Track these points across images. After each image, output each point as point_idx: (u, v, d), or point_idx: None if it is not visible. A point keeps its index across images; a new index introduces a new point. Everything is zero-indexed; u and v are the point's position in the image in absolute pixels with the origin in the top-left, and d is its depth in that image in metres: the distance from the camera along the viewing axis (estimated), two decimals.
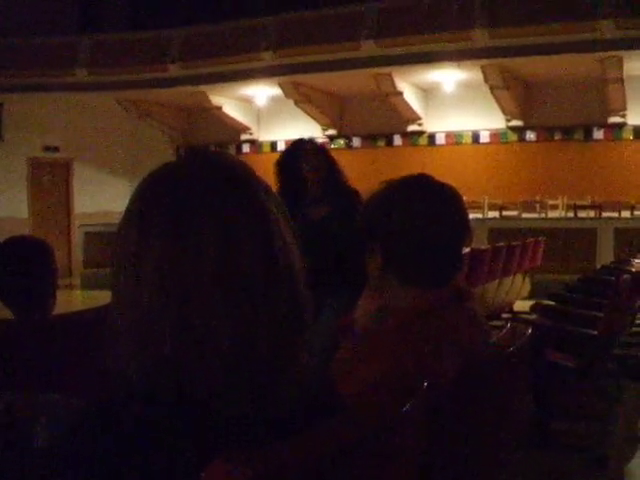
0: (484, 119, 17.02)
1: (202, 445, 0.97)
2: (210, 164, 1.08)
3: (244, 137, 19.57)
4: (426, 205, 1.78)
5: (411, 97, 16.96)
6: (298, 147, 4.53)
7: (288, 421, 1.04)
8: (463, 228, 1.83)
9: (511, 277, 9.18)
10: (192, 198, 1.02)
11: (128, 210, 1.07)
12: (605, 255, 12.16)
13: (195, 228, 1.01)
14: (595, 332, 4.21)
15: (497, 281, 8.61)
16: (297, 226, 3.35)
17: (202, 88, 17.43)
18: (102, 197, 17.26)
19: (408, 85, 16.66)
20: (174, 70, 17.23)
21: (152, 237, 1.02)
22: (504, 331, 1.86)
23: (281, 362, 1.04)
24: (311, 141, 4.65)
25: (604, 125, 16.17)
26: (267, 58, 16.30)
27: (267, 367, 1.03)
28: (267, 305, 1.02)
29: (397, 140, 18.09)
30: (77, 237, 17.28)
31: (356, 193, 4.35)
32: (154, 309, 1.00)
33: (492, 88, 15.81)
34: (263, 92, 17.74)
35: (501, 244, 8.93)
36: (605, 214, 14.57)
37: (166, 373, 1.00)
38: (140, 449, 0.96)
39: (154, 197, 1.05)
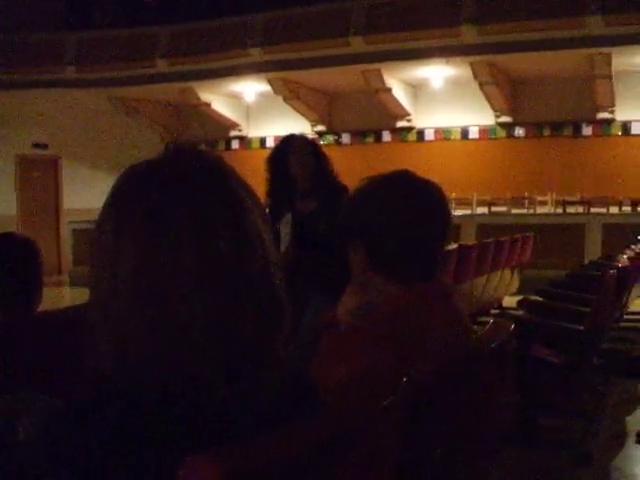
0: (473, 115, 17.05)
1: (183, 440, 0.97)
2: (188, 161, 1.08)
3: (233, 133, 19.54)
4: (408, 202, 1.78)
5: (400, 93, 16.97)
6: (287, 143, 4.53)
7: (267, 416, 1.04)
8: (445, 225, 1.83)
9: (499, 273, 9.19)
10: (169, 195, 1.02)
11: (105, 206, 1.07)
12: (593, 250, 12.19)
13: (171, 225, 1.00)
14: (581, 327, 4.22)
15: (485, 277, 8.62)
16: (286, 220, 3.35)
17: (190, 84, 17.42)
18: (91, 194, 17.16)
19: (397, 81, 16.67)
20: (162, 67, 17.20)
21: (128, 234, 1.01)
22: (487, 327, 1.86)
23: (260, 357, 1.04)
24: (300, 137, 4.64)
25: (593, 121, 16.22)
26: (255, 54, 16.29)
27: (246, 362, 1.03)
28: (245, 301, 1.02)
29: (386, 136, 18.10)
30: (66, 234, 17.23)
31: (345, 189, 4.35)
32: (132, 306, 1.00)
33: (481, 84, 15.83)
34: (252, 88, 17.72)
35: (490, 240, 8.94)
36: (594, 210, 14.59)
37: (145, 370, 1.00)
38: (121, 447, 0.96)
39: (131, 194, 1.04)
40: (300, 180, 4.45)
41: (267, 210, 4.53)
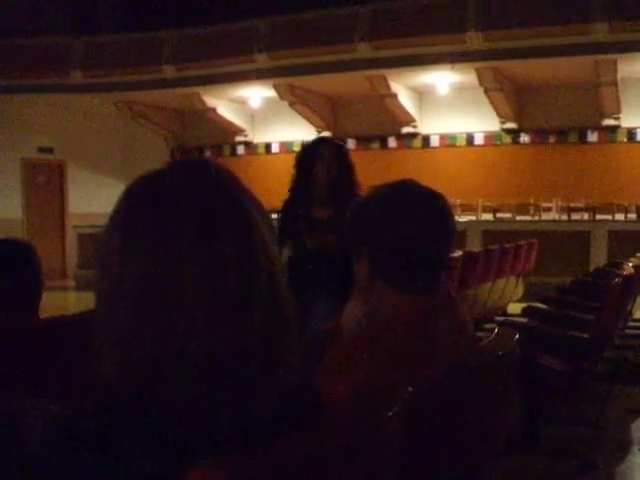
0: (478, 121, 17.03)
1: (186, 449, 0.98)
2: (195, 174, 1.08)
3: (238, 139, 19.55)
4: (412, 211, 1.78)
5: (405, 99, 16.97)
6: (315, 147, 4.53)
7: (269, 428, 1.04)
8: (449, 234, 1.83)
9: (504, 279, 9.17)
10: (176, 208, 1.02)
11: (112, 218, 1.07)
12: (599, 258, 12.16)
13: (177, 236, 1.01)
14: (586, 335, 4.22)
15: (490, 283, 8.60)
16: (301, 222, 3.41)
17: (196, 90, 17.43)
18: (96, 198, 17.20)
19: (402, 87, 16.67)
20: (168, 72, 17.22)
21: (135, 246, 1.02)
22: (492, 336, 1.86)
23: (262, 370, 1.04)
24: (330, 143, 4.63)
25: (598, 128, 16.19)
26: (261, 60, 16.30)
27: (248, 375, 1.03)
28: (249, 313, 1.03)
29: (391, 142, 18.09)
30: (71, 238, 17.26)
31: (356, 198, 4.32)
32: (136, 317, 1.01)
33: (486, 90, 15.82)
34: (257, 94, 17.75)
35: (495, 246, 8.93)
36: (599, 216, 14.57)
37: (147, 380, 1.01)
38: (125, 456, 0.96)
39: (139, 205, 1.05)
40: (321, 185, 4.44)
41: (279, 214, 4.56)
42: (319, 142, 4.59)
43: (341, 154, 4.52)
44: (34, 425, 1.71)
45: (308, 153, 4.52)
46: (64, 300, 13.94)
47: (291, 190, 4.58)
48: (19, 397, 1.93)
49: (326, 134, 18.02)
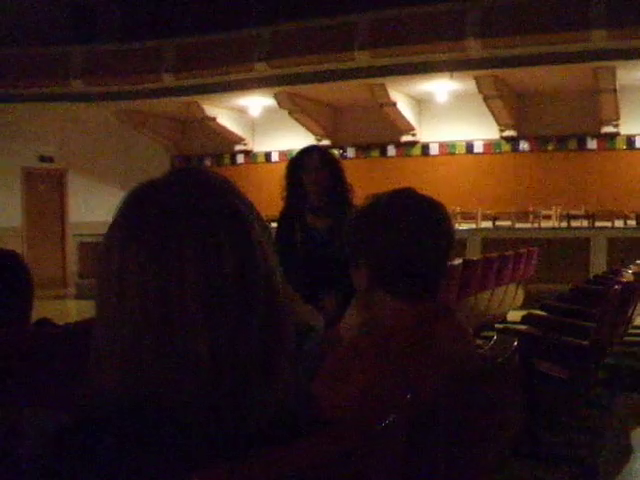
0: (478, 129, 17.05)
1: (183, 460, 0.98)
2: (194, 183, 1.08)
3: (238, 148, 19.56)
4: (410, 219, 1.78)
5: (405, 107, 16.99)
6: (301, 158, 4.45)
7: (268, 436, 1.04)
8: (448, 242, 1.83)
9: (504, 287, 9.17)
10: (175, 217, 1.03)
11: (111, 227, 1.07)
12: (598, 265, 12.16)
13: (177, 248, 1.01)
14: (586, 342, 4.21)
15: (490, 291, 8.60)
16: (299, 234, 3.38)
17: (196, 98, 17.45)
18: (97, 207, 17.19)
19: (402, 95, 16.69)
20: (168, 80, 17.24)
21: (134, 256, 1.02)
22: (491, 343, 1.87)
23: (261, 378, 1.05)
24: (316, 152, 4.52)
25: (597, 135, 16.21)
26: (261, 69, 16.32)
27: (246, 383, 1.03)
28: (249, 322, 1.03)
29: (391, 150, 18.10)
30: (71, 247, 17.26)
31: (352, 206, 4.29)
32: (136, 326, 1.01)
33: (485, 98, 15.84)
34: (257, 102, 17.76)
35: (494, 254, 8.93)
36: (598, 224, 14.58)
37: (148, 385, 1.01)
38: (124, 466, 0.97)
39: (137, 215, 1.05)
40: (313, 196, 4.38)
41: (277, 222, 4.52)
42: (303, 153, 4.44)
43: (328, 163, 4.41)
44: (32, 431, 1.72)
45: (294, 165, 4.45)
46: (65, 309, 13.94)
47: (285, 202, 4.51)
48: (16, 403, 1.93)
49: (326, 142, 18.04)
